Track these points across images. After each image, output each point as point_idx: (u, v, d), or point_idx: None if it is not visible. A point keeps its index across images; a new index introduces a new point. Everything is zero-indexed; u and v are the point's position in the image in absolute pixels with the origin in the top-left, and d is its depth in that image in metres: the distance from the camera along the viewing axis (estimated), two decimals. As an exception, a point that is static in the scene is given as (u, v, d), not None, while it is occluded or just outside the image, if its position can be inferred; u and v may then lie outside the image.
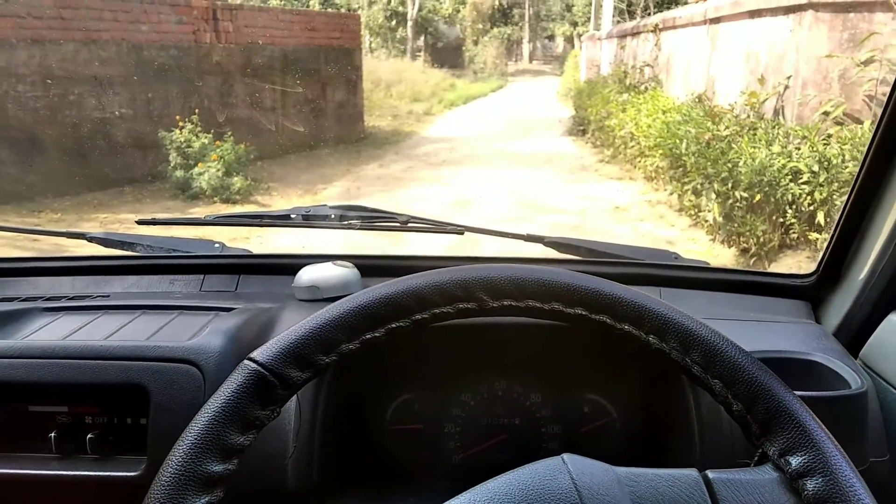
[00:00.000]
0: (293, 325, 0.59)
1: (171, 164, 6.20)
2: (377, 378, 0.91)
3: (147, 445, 0.75)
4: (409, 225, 1.05)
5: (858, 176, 0.91)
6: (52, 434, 0.78)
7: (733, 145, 4.84)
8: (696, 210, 5.00)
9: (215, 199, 5.98)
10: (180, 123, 6.35)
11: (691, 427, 0.78)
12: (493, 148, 8.37)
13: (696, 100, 6.40)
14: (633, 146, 6.92)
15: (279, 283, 1.06)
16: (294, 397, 0.78)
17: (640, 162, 6.65)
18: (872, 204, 0.91)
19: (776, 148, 4.46)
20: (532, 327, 0.84)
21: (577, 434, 0.89)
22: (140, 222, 1.07)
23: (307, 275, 1.00)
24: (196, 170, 6.12)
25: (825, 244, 0.99)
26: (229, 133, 6.50)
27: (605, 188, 6.43)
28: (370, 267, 1.04)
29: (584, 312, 0.61)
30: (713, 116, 5.38)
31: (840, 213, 0.95)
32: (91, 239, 1.12)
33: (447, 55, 18.67)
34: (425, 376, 0.92)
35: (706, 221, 4.79)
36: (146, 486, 0.76)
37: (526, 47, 28.53)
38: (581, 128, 9.50)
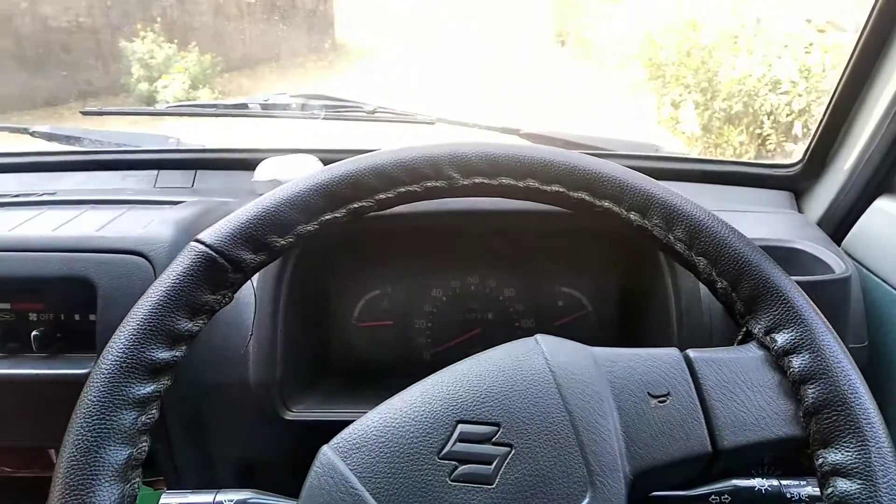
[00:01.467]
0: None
1: (134, 77, 5.92)
2: (343, 274, 0.87)
3: (96, 342, 0.71)
4: (377, 114, 0.98)
5: (848, 64, 0.86)
6: None
7: (714, 54, 4.74)
8: (675, 122, 4.94)
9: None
10: (141, 33, 6.03)
11: (669, 318, 0.76)
12: (467, 64, 8.11)
13: (678, 6, 6.22)
14: (611, 58, 6.76)
15: (238, 178, 1.00)
16: (250, 287, 0.74)
17: (619, 75, 6.51)
18: (861, 91, 0.87)
19: (757, 56, 4.38)
20: (505, 220, 0.80)
21: (551, 328, 0.86)
22: (85, 113, 0.99)
23: (267, 168, 0.94)
24: (160, 82, 5.86)
25: (810, 136, 0.95)
26: (194, 43, 6.20)
27: (584, 104, 6.29)
28: (334, 161, 0.98)
29: (561, 189, 0.56)
30: (695, 25, 5.24)
31: (828, 101, 0.91)
32: (35, 133, 1.04)
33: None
34: (394, 272, 0.88)
35: (683, 133, 4.74)
36: None
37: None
38: (561, 39, 9.23)
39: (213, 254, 0.52)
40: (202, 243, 0.52)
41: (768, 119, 4.05)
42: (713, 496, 0.51)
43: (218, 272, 0.52)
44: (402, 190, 0.57)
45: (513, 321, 0.87)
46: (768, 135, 4.05)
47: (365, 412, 0.78)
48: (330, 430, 0.77)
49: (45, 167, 1.03)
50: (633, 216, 0.55)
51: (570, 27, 8.54)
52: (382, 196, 0.56)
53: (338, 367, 0.87)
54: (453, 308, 0.88)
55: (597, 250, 0.86)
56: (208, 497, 0.56)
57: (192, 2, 7.18)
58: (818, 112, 0.91)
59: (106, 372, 0.48)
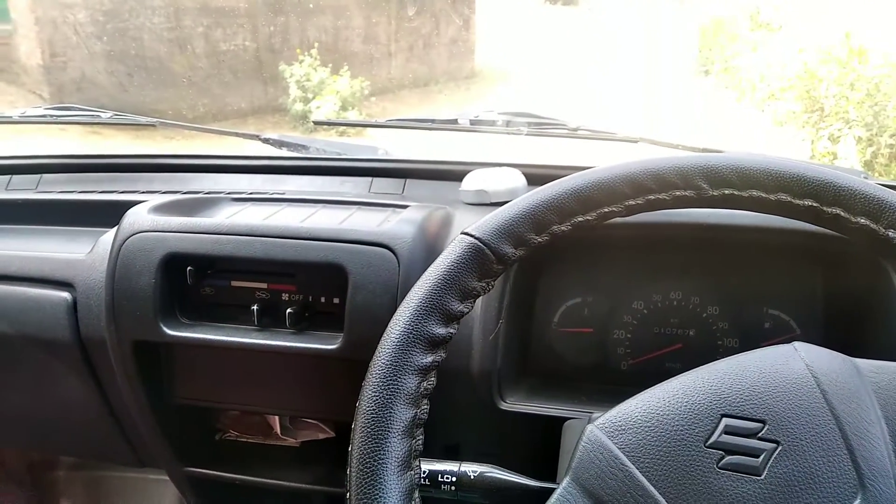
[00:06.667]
0: (470, 223, 0.60)
1: (292, 98, 6.36)
2: (547, 279, 0.92)
3: (344, 322, 0.80)
4: (579, 132, 1.03)
5: None
6: (254, 307, 0.83)
7: (882, 87, 4.45)
8: (832, 157, 4.66)
9: (331, 132, 6.12)
10: (300, 57, 6.47)
11: (893, 348, 0.74)
12: (605, 91, 8.03)
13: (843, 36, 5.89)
14: (761, 89, 6.49)
15: (444, 188, 1.07)
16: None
17: (768, 106, 6.23)
18: None
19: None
20: (711, 235, 0.82)
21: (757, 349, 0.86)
22: (316, 122, 1.10)
23: (474, 179, 1.01)
24: (314, 103, 6.25)
25: None
26: (346, 67, 6.58)
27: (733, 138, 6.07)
28: (535, 175, 1.04)
29: (814, 204, 0.57)
30: (862, 54, 4.94)
31: None
32: (265, 140, 1.17)
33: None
34: (596, 282, 0.91)
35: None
36: (342, 359, 0.81)
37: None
38: (705, 68, 8.97)
39: (482, 245, 0.58)
40: (472, 236, 0.59)
41: (945, 157, 3.75)
42: None
43: (485, 262, 0.58)
44: (651, 198, 0.60)
45: (715, 339, 0.88)
46: (944, 175, 3.74)
47: (570, 411, 0.82)
48: (538, 423, 0.81)
49: (273, 170, 1.16)
50: (891, 234, 0.55)
51: (716, 56, 8.28)
52: (632, 202, 0.60)
53: (535, 368, 0.92)
54: (654, 321, 0.90)
55: (808, 272, 0.85)
56: (454, 466, 0.62)
57: (347, 28, 7.64)
58: None
59: (394, 341, 0.55)
